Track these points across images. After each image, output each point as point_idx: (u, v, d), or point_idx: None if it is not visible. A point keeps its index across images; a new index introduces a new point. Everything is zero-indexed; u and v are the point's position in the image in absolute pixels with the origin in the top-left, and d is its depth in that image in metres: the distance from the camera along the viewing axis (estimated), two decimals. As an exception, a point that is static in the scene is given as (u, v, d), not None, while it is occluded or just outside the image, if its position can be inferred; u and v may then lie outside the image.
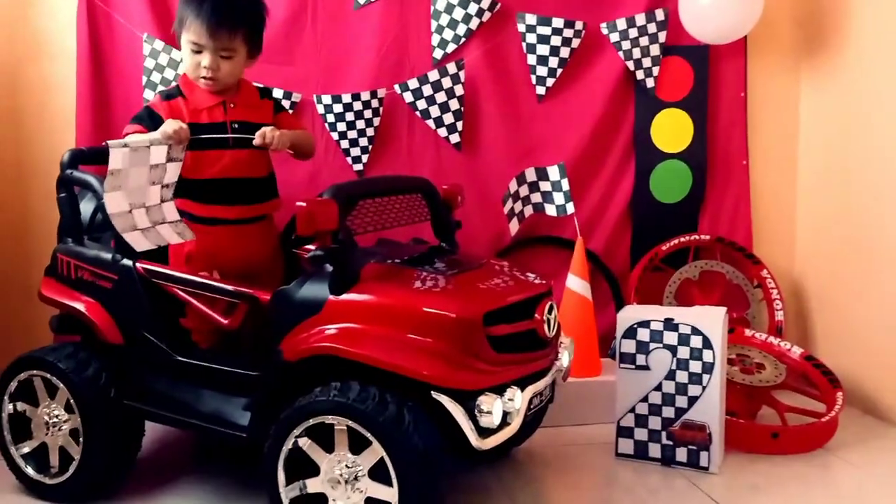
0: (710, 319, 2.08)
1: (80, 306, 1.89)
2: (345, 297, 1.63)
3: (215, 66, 1.87)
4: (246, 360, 1.75)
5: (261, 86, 2.08)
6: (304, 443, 1.60)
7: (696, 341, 2.07)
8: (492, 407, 1.55)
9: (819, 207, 2.79)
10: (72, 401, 1.84)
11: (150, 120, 1.86)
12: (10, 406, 1.92)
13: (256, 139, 1.86)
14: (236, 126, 1.92)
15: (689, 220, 2.78)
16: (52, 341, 2.11)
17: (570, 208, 2.50)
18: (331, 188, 1.67)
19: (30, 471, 1.91)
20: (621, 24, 2.63)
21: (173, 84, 2.03)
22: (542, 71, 2.63)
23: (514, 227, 2.59)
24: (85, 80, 2.41)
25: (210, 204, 1.92)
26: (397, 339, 1.58)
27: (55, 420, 1.89)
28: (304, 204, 1.57)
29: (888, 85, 2.43)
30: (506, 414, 1.60)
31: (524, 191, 2.57)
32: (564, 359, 1.93)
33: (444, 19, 2.57)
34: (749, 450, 2.18)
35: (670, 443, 2.10)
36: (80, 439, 1.85)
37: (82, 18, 2.41)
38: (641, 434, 2.13)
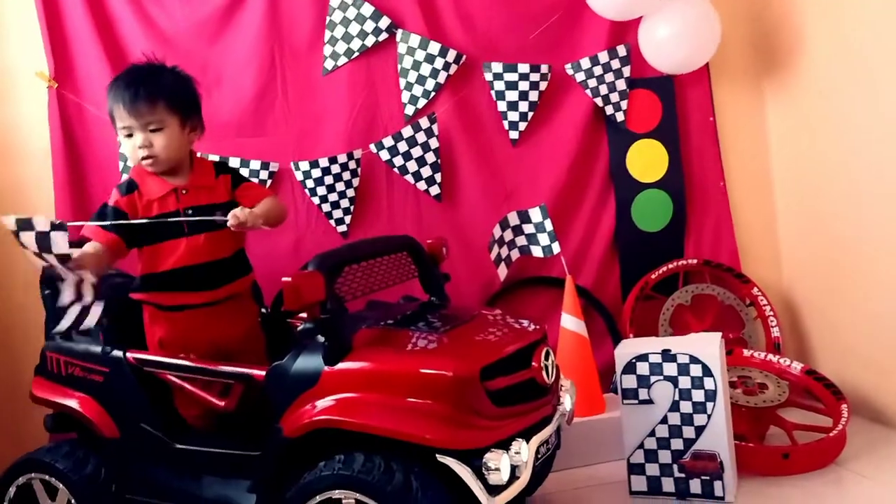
0: (707, 346, 2.08)
1: (73, 403, 1.87)
2: (340, 366, 1.62)
3: (147, 143, 1.82)
4: (245, 441, 1.73)
5: (218, 160, 2.02)
6: (314, 519, 1.57)
7: (695, 370, 2.06)
8: (499, 463, 1.54)
9: (799, 219, 2.82)
10: (72, 501, 1.81)
11: (113, 218, 1.79)
12: (10, 512, 1.89)
13: (230, 221, 1.77)
14: (189, 212, 1.85)
15: (674, 247, 2.80)
16: (47, 441, 2.07)
17: (556, 248, 2.51)
18: (315, 259, 1.67)
19: (35, 576, 1.87)
20: (585, 63, 2.68)
21: (125, 177, 1.98)
22: (513, 116, 2.66)
23: (502, 272, 2.59)
24: (62, 175, 2.41)
25: (174, 292, 1.86)
26: (396, 405, 1.56)
27: (58, 522, 1.85)
28: (289, 279, 1.56)
29: (847, 95, 2.48)
30: (514, 468, 1.58)
31: (508, 235, 2.58)
32: (567, 402, 1.92)
33: (412, 76, 2.61)
34: (762, 472, 2.15)
35: (683, 475, 2.07)
36: (85, 539, 1.81)
37: (54, 112, 2.43)
38: (653, 469, 2.11)
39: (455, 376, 1.56)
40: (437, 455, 1.53)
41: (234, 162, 2.49)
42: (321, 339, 1.64)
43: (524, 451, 1.61)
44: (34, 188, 2.44)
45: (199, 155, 1.98)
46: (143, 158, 1.84)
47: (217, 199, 1.88)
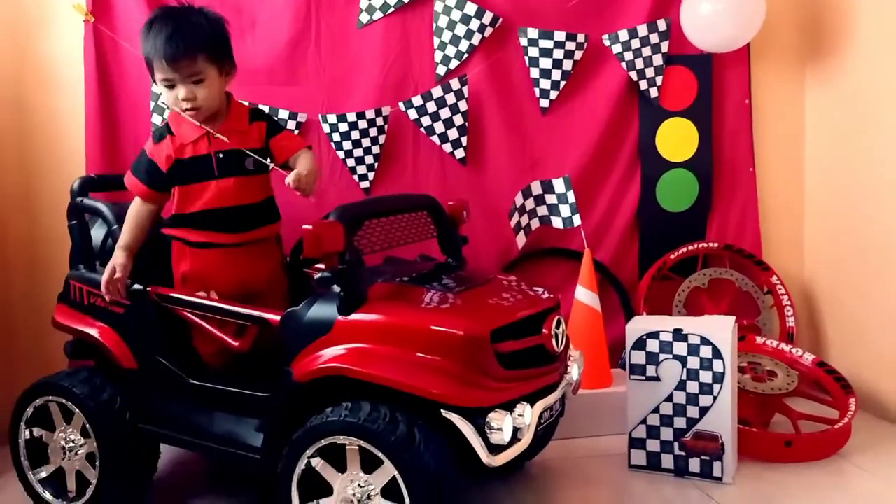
0: (720, 329, 2.08)
1: (93, 332, 1.92)
2: (353, 317, 1.64)
3: (191, 96, 1.84)
4: (257, 382, 1.77)
5: (253, 106, 2.01)
6: (317, 463, 1.62)
7: (705, 351, 2.07)
8: (502, 423, 1.56)
9: (827, 212, 2.79)
10: (87, 425, 1.87)
11: (146, 175, 1.89)
12: (27, 432, 1.95)
13: (291, 178, 1.80)
14: (220, 156, 1.88)
15: (696, 229, 2.78)
16: (66, 367, 2.14)
17: (577, 220, 2.51)
18: (336, 209, 1.68)
19: (47, 495, 1.94)
20: (623, 35, 2.64)
21: (163, 121, 2.01)
22: (545, 84, 2.64)
23: (520, 240, 2.60)
24: (93, 108, 2.44)
25: (202, 230, 1.90)
26: (406, 359, 1.59)
27: (71, 445, 1.92)
28: (310, 227, 1.58)
29: (890, 90, 2.43)
30: (516, 430, 1.61)
31: (530, 204, 2.58)
32: (574, 372, 1.94)
33: (447, 36, 2.59)
34: (762, 458, 2.17)
35: (683, 453, 2.09)
36: (97, 463, 1.87)
37: (89, 46, 2.44)
38: (654, 445, 2.13)
39: (466, 335, 1.58)
40: (441, 410, 1.56)
41: (262, 109, 2.49)
42: (337, 288, 1.67)
43: (527, 415, 1.63)
44: (67, 118, 2.47)
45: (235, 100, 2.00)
46: (187, 110, 1.86)
47: (250, 144, 1.90)
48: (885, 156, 2.48)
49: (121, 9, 2.46)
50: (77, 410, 1.87)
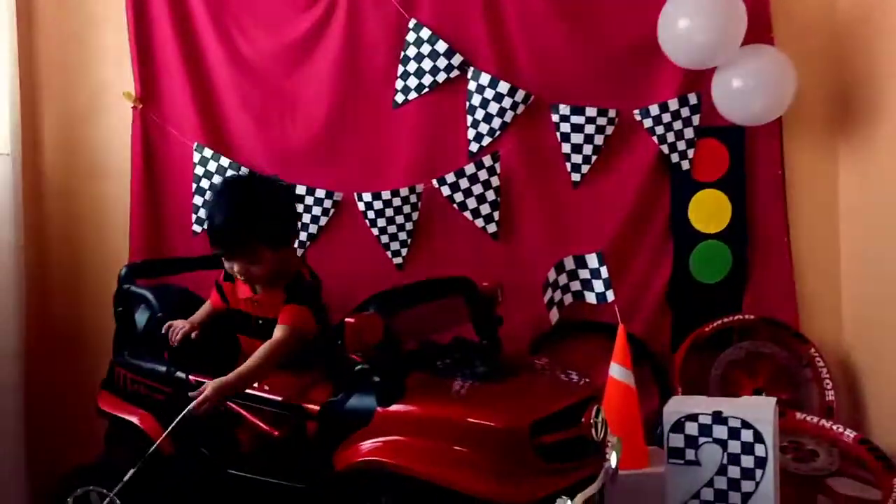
0: (761, 412, 2.04)
1: (134, 419, 1.94)
2: (392, 408, 1.65)
3: (245, 272, 1.89)
4: (294, 472, 1.77)
5: (294, 278, 1.93)
6: (354, 558, 1.61)
7: (746, 435, 2.03)
8: (543, 520, 1.55)
9: (864, 281, 2.75)
10: (125, 512, 1.88)
11: (219, 293, 2.02)
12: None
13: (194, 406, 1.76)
14: (260, 322, 1.93)
15: (731, 300, 2.75)
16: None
17: (611, 296, 2.51)
18: (375, 300, 1.71)
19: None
20: (654, 109, 2.67)
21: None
22: (576, 158, 2.67)
23: (554, 316, 2.60)
24: (139, 195, 2.53)
25: None
26: (445, 452, 1.59)
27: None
28: (352, 320, 1.61)
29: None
30: (557, 525, 1.59)
31: (563, 279, 2.59)
32: (612, 459, 1.91)
33: (480, 114, 2.64)
34: (809, 545, 2.11)
35: (726, 542, 2.04)
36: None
37: (136, 132, 2.54)
38: (696, 533, 2.08)
39: (505, 428, 1.58)
40: (481, 507, 1.55)
41: (300, 189, 2.56)
42: (376, 379, 1.68)
43: (568, 509, 1.61)
44: (112, 205, 2.56)
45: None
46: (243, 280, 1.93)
47: (273, 314, 1.90)
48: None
49: (167, 95, 2.56)
50: (118, 501, 1.88)
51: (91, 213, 2.55)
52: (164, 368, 1.94)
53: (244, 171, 2.53)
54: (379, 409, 1.66)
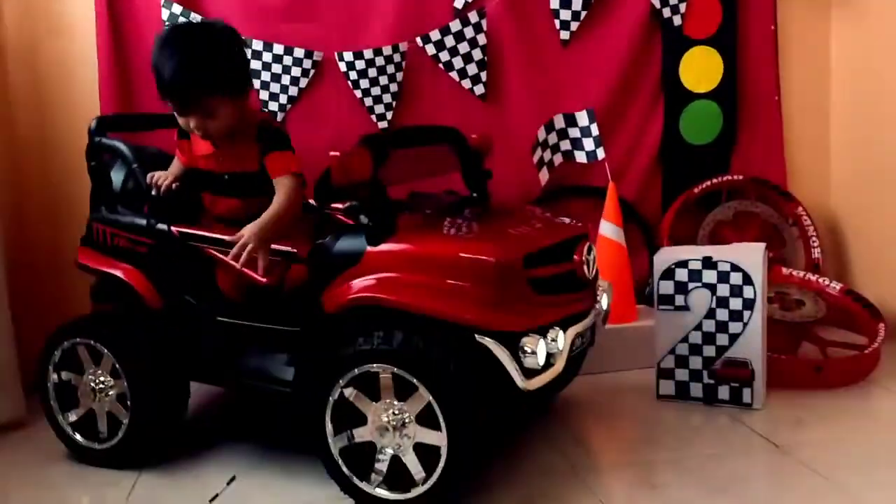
0: (750, 254, 2.05)
1: (118, 273, 1.90)
2: (383, 247, 1.62)
3: (201, 127, 1.77)
4: (286, 316, 1.75)
5: (262, 122, 1.82)
6: (350, 393, 1.61)
7: (735, 278, 2.04)
8: (536, 347, 1.55)
9: (853, 140, 2.73)
10: (117, 366, 1.86)
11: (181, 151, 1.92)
12: (55, 375, 1.94)
13: (231, 258, 1.67)
14: (226, 177, 1.83)
15: (720, 162, 2.73)
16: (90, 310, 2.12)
17: (601, 153, 2.46)
18: (363, 138, 1.64)
19: (79, 438, 1.93)
20: (645, -40, 2.56)
21: None
22: (565, 15, 2.57)
23: (543, 176, 2.56)
24: (105, 52, 2.38)
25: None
26: (438, 286, 1.57)
27: (101, 386, 1.91)
28: (337, 154, 1.55)
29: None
30: (549, 355, 1.60)
31: (553, 138, 2.53)
32: (604, 301, 1.92)
33: (464, -34, 2.51)
34: (792, 385, 2.16)
35: (712, 381, 2.09)
36: (128, 403, 1.87)
37: (100, -11, 2.39)
38: (682, 375, 2.12)
39: (498, 261, 1.56)
40: (476, 336, 1.54)
41: (277, 48, 2.45)
42: (365, 219, 1.64)
43: (560, 339, 1.63)
44: (79, 62, 2.42)
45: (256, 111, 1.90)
46: (198, 135, 1.80)
47: (248, 167, 1.81)
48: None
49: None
50: (106, 351, 1.86)
51: (57, 72, 2.41)
52: (144, 221, 1.88)
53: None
54: (369, 248, 1.63)
